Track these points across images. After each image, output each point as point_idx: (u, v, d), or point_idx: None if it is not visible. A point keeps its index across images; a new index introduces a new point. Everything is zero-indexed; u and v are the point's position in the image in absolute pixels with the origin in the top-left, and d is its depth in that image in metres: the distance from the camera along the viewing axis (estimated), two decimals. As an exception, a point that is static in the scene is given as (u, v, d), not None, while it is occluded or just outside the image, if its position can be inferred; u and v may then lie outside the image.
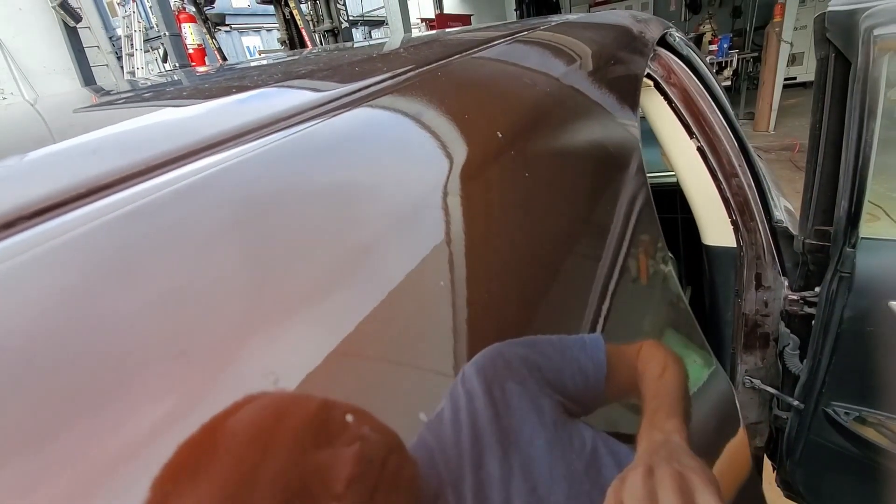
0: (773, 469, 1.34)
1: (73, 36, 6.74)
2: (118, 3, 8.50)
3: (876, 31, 0.64)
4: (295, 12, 5.75)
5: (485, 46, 0.42)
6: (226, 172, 0.20)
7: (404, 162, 0.26)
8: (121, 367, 0.13)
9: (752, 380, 1.22)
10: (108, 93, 0.57)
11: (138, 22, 8.35)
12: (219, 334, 0.15)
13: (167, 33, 6.16)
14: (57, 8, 6.41)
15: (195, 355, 0.14)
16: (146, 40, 8.95)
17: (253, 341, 0.15)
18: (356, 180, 0.23)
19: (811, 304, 1.04)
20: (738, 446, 0.47)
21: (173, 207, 0.18)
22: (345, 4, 5.92)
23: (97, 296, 0.15)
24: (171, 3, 6.23)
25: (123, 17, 8.39)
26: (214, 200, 0.19)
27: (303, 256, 0.19)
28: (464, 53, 0.39)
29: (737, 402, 0.50)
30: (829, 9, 0.68)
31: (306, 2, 5.82)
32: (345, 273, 0.19)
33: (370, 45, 0.72)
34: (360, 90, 0.30)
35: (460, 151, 0.27)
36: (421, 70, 0.34)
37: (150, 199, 0.18)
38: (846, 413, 1.02)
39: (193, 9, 6.19)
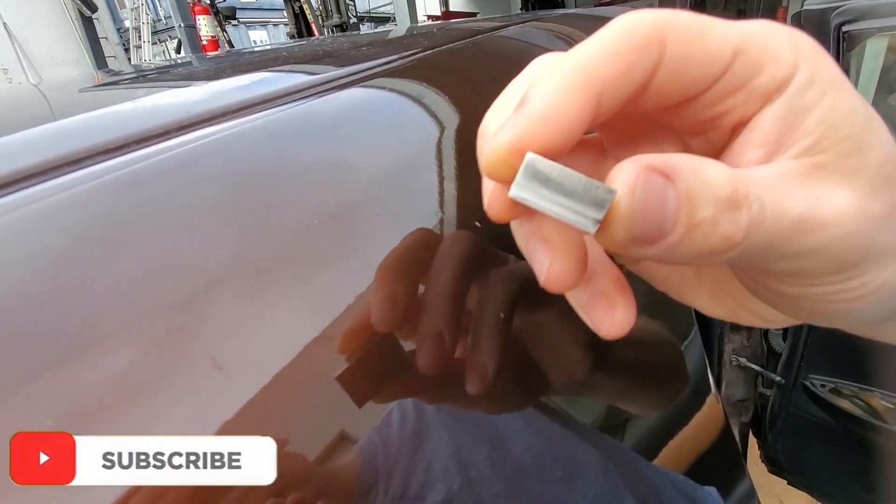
0: (759, 446, 1.40)
1: (88, 26, 6.81)
2: (127, -5, 8.57)
3: (844, 28, 0.72)
4: (305, 7, 5.86)
5: (493, 31, 0.49)
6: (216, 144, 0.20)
7: (402, 135, 0.26)
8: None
9: (739, 358, 1.30)
10: (115, 74, 0.59)
11: (146, 14, 8.44)
12: (196, 312, 0.15)
13: (182, 24, 6.23)
14: (75, -3, 6.49)
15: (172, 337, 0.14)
16: (154, 32, 9.03)
17: (232, 323, 0.15)
18: (349, 155, 0.23)
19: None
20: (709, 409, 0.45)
21: (153, 179, 0.18)
22: (353, 0, 6.03)
23: (70, 266, 0.14)
24: (186, -5, 6.33)
25: (132, 9, 8.47)
26: (199, 172, 0.19)
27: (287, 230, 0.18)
28: (480, 35, 0.46)
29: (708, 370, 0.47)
30: (805, 7, 0.75)
31: (316, -4, 5.94)
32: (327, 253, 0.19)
33: (384, 31, 0.78)
34: (371, 68, 0.31)
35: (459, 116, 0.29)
36: (433, 50, 0.38)
37: (126, 172, 0.18)
38: (822, 385, 1.10)
39: (208, 0, 6.29)
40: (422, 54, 0.37)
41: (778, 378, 1.20)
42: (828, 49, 0.76)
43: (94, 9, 6.66)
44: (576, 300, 0.16)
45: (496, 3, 9.29)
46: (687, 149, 0.16)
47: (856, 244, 0.12)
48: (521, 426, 0.24)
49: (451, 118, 0.29)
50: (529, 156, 0.11)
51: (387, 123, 0.27)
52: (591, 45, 0.12)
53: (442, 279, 0.21)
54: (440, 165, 0.25)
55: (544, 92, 0.12)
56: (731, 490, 0.44)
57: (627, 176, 0.11)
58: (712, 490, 0.35)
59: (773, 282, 0.14)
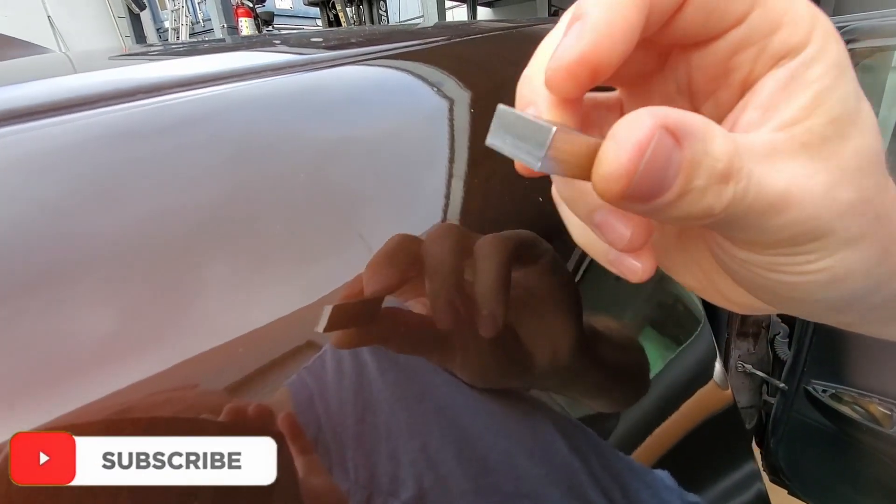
0: (761, 456, 1.41)
1: (136, 23, 7.14)
2: (168, -3, 8.87)
3: (848, 46, 0.77)
4: (341, 14, 6.05)
5: (520, 27, 0.53)
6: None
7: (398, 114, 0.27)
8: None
9: (745, 364, 1.34)
10: (145, 45, 0.63)
11: (186, 16, 8.73)
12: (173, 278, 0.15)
13: (225, 25, 6.43)
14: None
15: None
16: (192, 34, 9.33)
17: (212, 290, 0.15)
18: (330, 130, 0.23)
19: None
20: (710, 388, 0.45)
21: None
22: (386, 10, 6.20)
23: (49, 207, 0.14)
24: (231, -3, 6.55)
25: (172, 11, 8.78)
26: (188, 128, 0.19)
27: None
28: (506, 31, 0.49)
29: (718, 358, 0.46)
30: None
31: (351, 5, 6.12)
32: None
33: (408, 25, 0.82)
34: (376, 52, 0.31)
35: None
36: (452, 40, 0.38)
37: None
38: (823, 390, 1.13)
39: (251, 4, 6.51)
40: (444, 42, 0.38)
41: (781, 384, 1.23)
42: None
43: (142, 6, 6.98)
44: (604, 256, 0.17)
45: (524, 16, 9.39)
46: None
47: (809, 227, 0.13)
48: (488, 421, 0.24)
49: (467, 98, 0.30)
50: (499, 107, 0.12)
51: (396, 98, 0.28)
52: None
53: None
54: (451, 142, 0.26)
55: (600, 3, 0.12)
56: (737, 470, 0.46)
57: (642, 133, 0.11)
58: (664, 474, 0.36)
59: (731, 246, 0.15)
